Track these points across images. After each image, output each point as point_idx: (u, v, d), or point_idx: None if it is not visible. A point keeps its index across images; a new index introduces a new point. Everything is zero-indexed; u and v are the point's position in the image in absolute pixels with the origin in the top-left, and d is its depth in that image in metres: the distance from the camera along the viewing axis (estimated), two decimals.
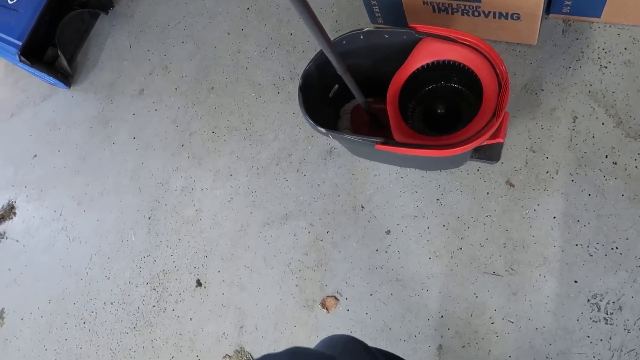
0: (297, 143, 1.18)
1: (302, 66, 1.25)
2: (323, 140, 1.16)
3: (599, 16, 0.99)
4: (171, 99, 1.37)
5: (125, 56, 1.49)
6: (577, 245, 0.90)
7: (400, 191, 1.06)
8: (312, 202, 1.12)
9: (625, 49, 0.98)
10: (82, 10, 1.47)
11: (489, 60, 0.83)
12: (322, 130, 0.90)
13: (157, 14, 1.49)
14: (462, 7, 0.99)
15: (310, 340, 1.03)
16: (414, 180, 1.05)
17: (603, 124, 0.96)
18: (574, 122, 0.98)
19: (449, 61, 0.88)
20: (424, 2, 1.02)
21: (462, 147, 0.80)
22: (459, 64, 0.87)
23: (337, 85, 1.07)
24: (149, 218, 1.26)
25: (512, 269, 0.93)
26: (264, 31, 1.33)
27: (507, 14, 0.97)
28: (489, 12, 0.98)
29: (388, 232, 1.04)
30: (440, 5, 1.01)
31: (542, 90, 1.01)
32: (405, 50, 0.92)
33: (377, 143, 0.84)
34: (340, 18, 1.25)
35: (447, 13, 1.03)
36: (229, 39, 1.36)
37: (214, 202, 1.21)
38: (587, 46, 1.02)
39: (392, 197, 1.06)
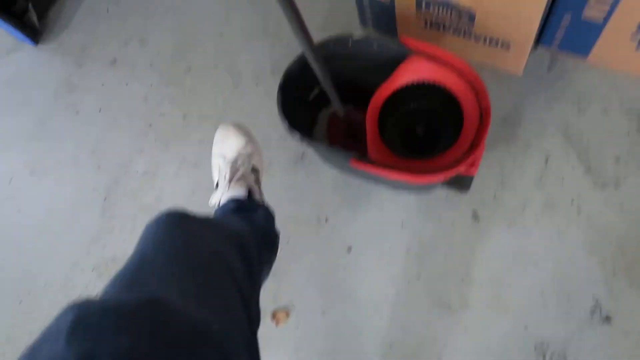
0: (269, 142, 1.14)
1: (286, 62, 1.19)
2: (296, 143, 1.12)
3: (587, 54, 0.98)
4: (144, 75, 1.29)
5: (101, 20, 1.40)
6: (532, 289, 0.90)
7: (367, 208, 1.03)
8: (276, 206, 1.08)
9: (604, 96, 0.98)
10: None
11: (475, 91, 0.81)
12: (297, 136, 0.86)
13: None
14: (455, 27, 0.96)
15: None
16: (382, 199, 1.03)
17: (573, 168, 0.95)
18: (547, 161, 0.97)
19: (434, 83, 0.86)
20: (417, 15, 0.99)
21: (435, 176, 0.78)
22: (445, 88, 0.84)
23: (317, 90, 1.03)
24: (105, 199, 1.20)
25: (466, 305, 0.93)
26: (251, 17, 1.27)
27: (497, 40, 0.94)
28: (480, 36, 0.96)
29: (349, 249, 1.02)
30: (433, 20, 0.98)
31: (520, 124, 1.00)
32: (392, 63, 0.89)
33: (351, 158, 0.81)
34: (330, 15, 1.21)
35: (439, 29, 1.00)
36: (213, 18, 1.29)
37: (175, 193, 1.16)
38: (570, 86, 1.00)
39: (358, 213, 1.04)
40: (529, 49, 0.91)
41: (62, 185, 1.25)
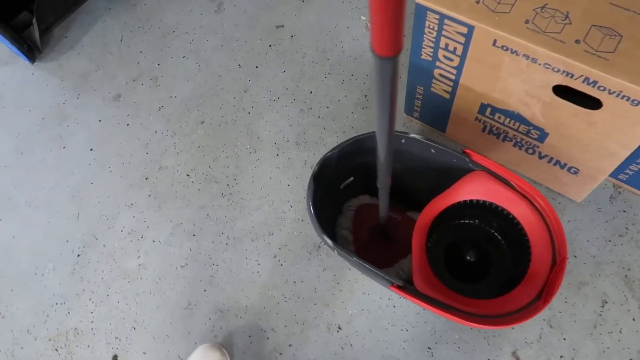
0: (282, 223, 0.99)
1: (313, 133, 1.07)
2: (314, 229, 0.98)
3: None
4: (150, 118, 1.14)
5: (112, 49, 1.25)
6: None
7: (389, 323, 0.88)
8: (282, 301, 0.93)
9: None
10: None
11: (547, 228, 0.69)
12: (329, 242, 0.72)
13: (164, 14, 1.28)
14: (518, 139, 0.86)
15: None
16: (408, 314, 0.89)
17: (634, 319, 0.83)
18: (603, 306, 0.85)
19: (496, 205, 0.73)
20: (476, 118, 0.88)
21: (495, 325, 0.64)
22: (507, 213, 0.72)
23: (352, 178, 0.90)
24: (78, 255, 1.02)
25: None
26: (281, 78, 1.15)
27: (565, 165, 0.84)
28: (545, 156, 0.85)
29: None
30: (495, 128, 0.87)
31: (575, 256, 0.89)
32: (447, 173, 0.77)
33: (392, 284, 0.67)
34: (370, 94, 1.10)
35: (497, 138, 0.89)
36: (238, 72, 1.17)
37: (163, 262, 0.99)
38: (634, 223, 0.90)
39: (377, 327, 0.88)
40: (601, 181, 0.81)
41: (30, 228, 1.06)
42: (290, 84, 1.14)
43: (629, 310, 0.84)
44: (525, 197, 0.70)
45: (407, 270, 0.86)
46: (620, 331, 0.83)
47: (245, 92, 1.14)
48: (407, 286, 0.66)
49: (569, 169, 0.84)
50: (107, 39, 1.27)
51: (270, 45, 1.19)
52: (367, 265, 0.68)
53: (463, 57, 0.75)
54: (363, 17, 1.19)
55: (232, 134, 1.10)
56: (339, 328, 0.89)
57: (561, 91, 0.70)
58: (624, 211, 0.91)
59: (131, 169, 1.09)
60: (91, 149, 1.13)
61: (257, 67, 1.17)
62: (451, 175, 0.76)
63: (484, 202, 0.74)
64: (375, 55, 0.40)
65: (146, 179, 1.07)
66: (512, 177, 0.71)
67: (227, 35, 1.22)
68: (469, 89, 0.82)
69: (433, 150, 0.76)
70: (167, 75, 1.19)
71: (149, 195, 1.06)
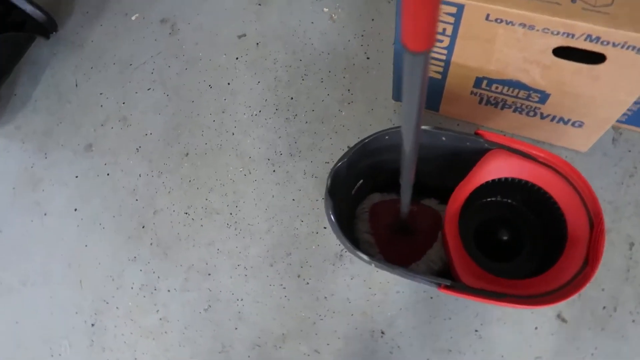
0: (297, 240, 0.95)
1: (305, 140, 1.03)
2: (331, 238, 0.95)
3: None
4: (130, 162, 1.07)
5: (69, 97, 1.16)
6: None
7: (430, 316, 0.87)
8: (317, 320, 0.90)
9: None
10: (16, 33, 1.13)
11: (577, 192, 0.68)
12: (365, 258, 0.69)
13: (116, 48, 1.19)
14: (518, 105, 0.84)
15: None
16: (447, 303, 0.87)
17: None
18: (631, 249, 0.86)
19: (520, 180, 0.72)
20: (471, 92, 0.86)
21: (555, 301, 0.63)
22: (536, 187, 0.71)
23: (361, 181, 0.87)
24: (93, 325, 0.95)
25: None
26: (257, 90, 1.09)
27: (568, 120, 0.83)
28: (547, 115, 0.84)
29: None
30: (492, 99, 0.85)
31: None
32: (460, 156, 0.75)
33: (440, 286, 0.65)
34: (352, 87, 1.06)
35: (496, 107, 0.88)
36: (210, 93, 1.11)
37: (184, 310, 0.94)
38: None
39: (419, 323, 0.87)
40: (608, 129, 0.81)
41: (32, 309, 0.99)
42: (268, 94, 1.08)
43: None
44: (548, 165, 0.69)
45: (437, 260, 0.84)
46: None
47: (223, 112, 1.08)
48: (456, 284, 0.64)
49: (573, 124, 0.84)
50: (60, 87, 1.18)
51: (237, 58, 1.13)
52: (411, 274, 0.66)
53: (454, 37, 0.73)
54: (326, 9, 1.14)
55: (222, 160, 1.04)
56: (382, 333, 0.88)
57: (561, 52, 0.68)
58: (629, 151, 0.92)
59: (124, 221, 1.02)
60: (75, 209, 1.05)
61: (228, 83, 1.11)
62: (464, 157, 0.74)
63: (506, 179, 0.72)
64: (407, 51, 0.37)
65: (143, 227, 1.01)
66: (531, 148, 0.70)
67: (189, 56, 1.15)
68: (462, 66, 0.79)
69: (444, 138, 0.73)
70: (136, 112, 1.12)
71: (151, 244, 1.00)
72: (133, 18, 1.22)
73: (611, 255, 0.86)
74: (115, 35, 1.21)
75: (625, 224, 0.87)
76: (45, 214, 1.06)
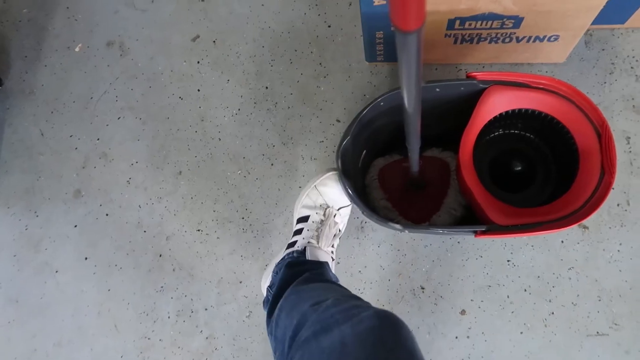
0: None
1: (293, 125, 1.01)
2: (374, 222, 0.96)
3: (623, 22, 0.92)
4: (125, 197, 1.04)
5: (40, 149, 1.11)
6: None
7: (462, 259, 0.90)
8: (359, 293, 0.92)
9: None
10: None
11: (577, 107, 0.69)
12: (398, 226, 0.70)
13: (71, 85, 1.13)
14: (493, 35, 0.85)
15: None
16: (475, 243, 0.90)
17: None
18: (628, 142, 0.90)
19: (520, 109, 0.73)
20: (445, 35, 0.85)
21: (585, 216, 0.66)
22: (537, 112, 0.72)
23: (365, 151, 0.87)
24: (143, 356, 0.95)
25: (615, 324, 0.83)
26: (229, 89, 1.06)
27: (544, 37, 0.84)
28: (523, 37, 0.85)
29: (463, 312, 0.88)
30: (467, 36, 0.85)
31: None
32: (456, 102, 0.75)
33: (477, 232, 0.67)
34: (323, 60, 1.04)
35: (471, 43, 0.88)
36: (183, 105, 1.07)
37: (228, 322, 0.95)
38: (616, 56, 0.93)
39: (454, 269, 0.90)
40: (582, 36, 0.82)
41: None
42: (242, 90, 1.06)
43: None
44: (542, 88, 0.70)
45: (456, 206, 0.86)
46: None
47: (202, 121, 1.05)
48: (492, 227, 0.66)
49: (548, 39, 0.85)
50: (26, 142, 1.12)
51: (198, 62, 1.09)
52: (447, 229, 0.67)
53: None
54: None
55: (217, 168, 1.02)
56: (422, 288, 0.90)
57: None
58: (603, 50, 0.94)
59: (139, 255, 1.01)
60: (86, 258, 1.03)
61: (198, 90, 1.07)
62: (461, 101, 0.75)
63: (507, 112, 0.73)
64: (399, 31, 0.36)
65: (160, 256, 1.00)
66: (523, 76, 0.70)
67: (149, 73, 1.10)
68: (432, 13, 0.78)
69: (438, 89, 0.73)
70: (114, 145, 1.08)
71: (173, 270, 0.99)
72: (77, 49, 1.15)
73: None
74: (64, 72, 1.14)
75: (618, 120, 0.91)
76: (57, 272, 1.03)
